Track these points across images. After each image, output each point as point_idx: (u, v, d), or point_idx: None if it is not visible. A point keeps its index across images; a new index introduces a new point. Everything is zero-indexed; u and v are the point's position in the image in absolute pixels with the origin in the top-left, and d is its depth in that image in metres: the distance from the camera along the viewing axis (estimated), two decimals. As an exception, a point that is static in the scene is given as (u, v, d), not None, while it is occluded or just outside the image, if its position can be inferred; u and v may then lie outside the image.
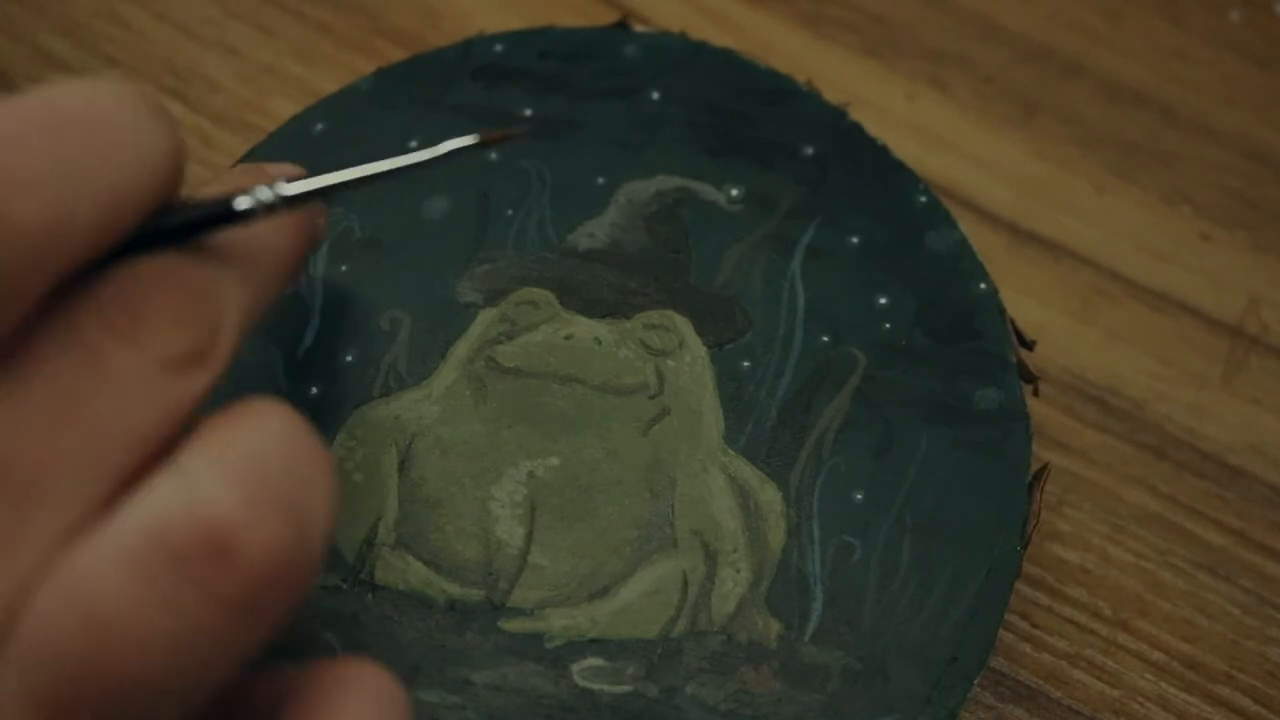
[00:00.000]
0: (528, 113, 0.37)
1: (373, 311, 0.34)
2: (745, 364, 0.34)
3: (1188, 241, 0.43)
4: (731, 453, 0.33)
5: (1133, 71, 0.46)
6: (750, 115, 0.37)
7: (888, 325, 0.34)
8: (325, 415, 0.33)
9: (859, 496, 0.32)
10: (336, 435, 0.32)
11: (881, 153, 0.37)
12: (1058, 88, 0.45)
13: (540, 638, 0.30)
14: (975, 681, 0.30)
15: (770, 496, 0.32)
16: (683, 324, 0.34)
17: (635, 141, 0.36)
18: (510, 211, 0.35)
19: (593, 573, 0.31)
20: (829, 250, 0.35)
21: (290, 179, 0.25)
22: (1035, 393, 0.35)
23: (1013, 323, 0.35)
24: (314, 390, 0.33)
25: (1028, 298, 0.41)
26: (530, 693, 0.30)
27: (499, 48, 0.38)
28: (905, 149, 0.38)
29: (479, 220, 0.35)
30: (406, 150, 0.36)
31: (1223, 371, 0.41)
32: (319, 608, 0.30)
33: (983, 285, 0.35)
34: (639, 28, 0.39)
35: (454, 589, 0.31)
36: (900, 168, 0.36)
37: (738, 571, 0.31)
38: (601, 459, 0.32)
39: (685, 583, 0.31)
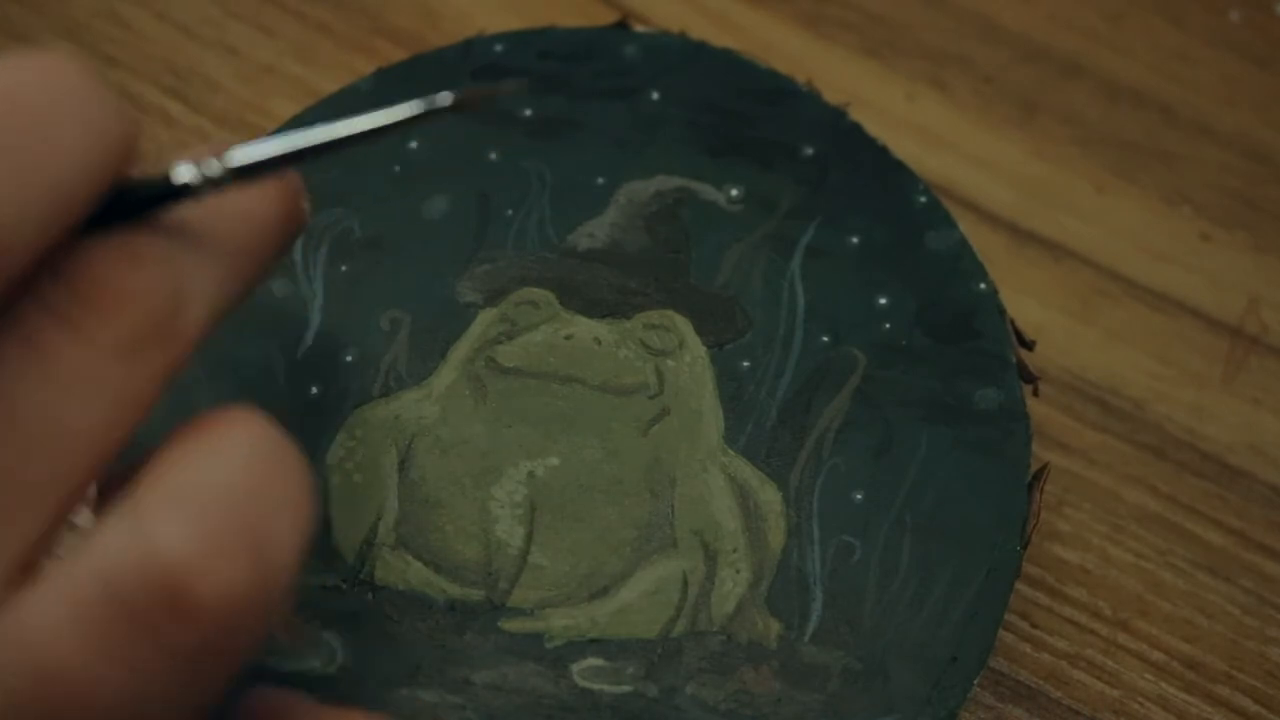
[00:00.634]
0: (528, 113, 0.37)
1: (373, 311, 0.34)
2: (745, 364, 0.34)
3: (1188, 241, 0.43)
4: (731, 453, 0.33)
5: (1133, 71, 0.46)
6: (750, 115, 0.37)
7: (888, 325, 0.34)
8: (325, 415, 0.33)
9: (859, 496, 0.32)
10: (336, 435, 0.32)
11: (881, 153, 0.37)
12: (1058, 88, 0.45)
13: (540, 638, 0.30)
14: (975, 682, 0.30)
15: (770, 496, 0.32)
16: (683, 324, 0.34)
17: (635, 141, 0.36)
18: (510, 211, 0.35)
19: (593, 573, 0.31)
20: (829, 250, 0.35)
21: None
22: (1035, 393, 0.35)
23: (1013, 323, 0.35)
24: (314, 390, 0.33)
25: (1028, 298, 0.41)
26: (530, 693, 0.30)
27: (499, 48, 0.38)
28: (905, 149, 0.38)
29: (479, 220, 0.35)
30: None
31: (1223, 371, 0.41)
32: (319, 608, 0.30)
33: (983, 285, 0.35)
34: (639, 28, 0.39)
35: (454, 589, 0.31)
36: (900, 168, 0.36)
37: (737, 571, 0.31)
38: (601, 459, 0.32)
39: (685, 583, 0.31)
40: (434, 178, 0.36)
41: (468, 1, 0.46)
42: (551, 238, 0.35)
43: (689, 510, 0.32)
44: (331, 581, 0.31)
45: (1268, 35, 0.47)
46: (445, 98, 0.24)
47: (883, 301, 0.34)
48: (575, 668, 0.30)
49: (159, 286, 0.21)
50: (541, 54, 0.38)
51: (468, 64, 0.38)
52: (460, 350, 0.34)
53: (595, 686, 0.30)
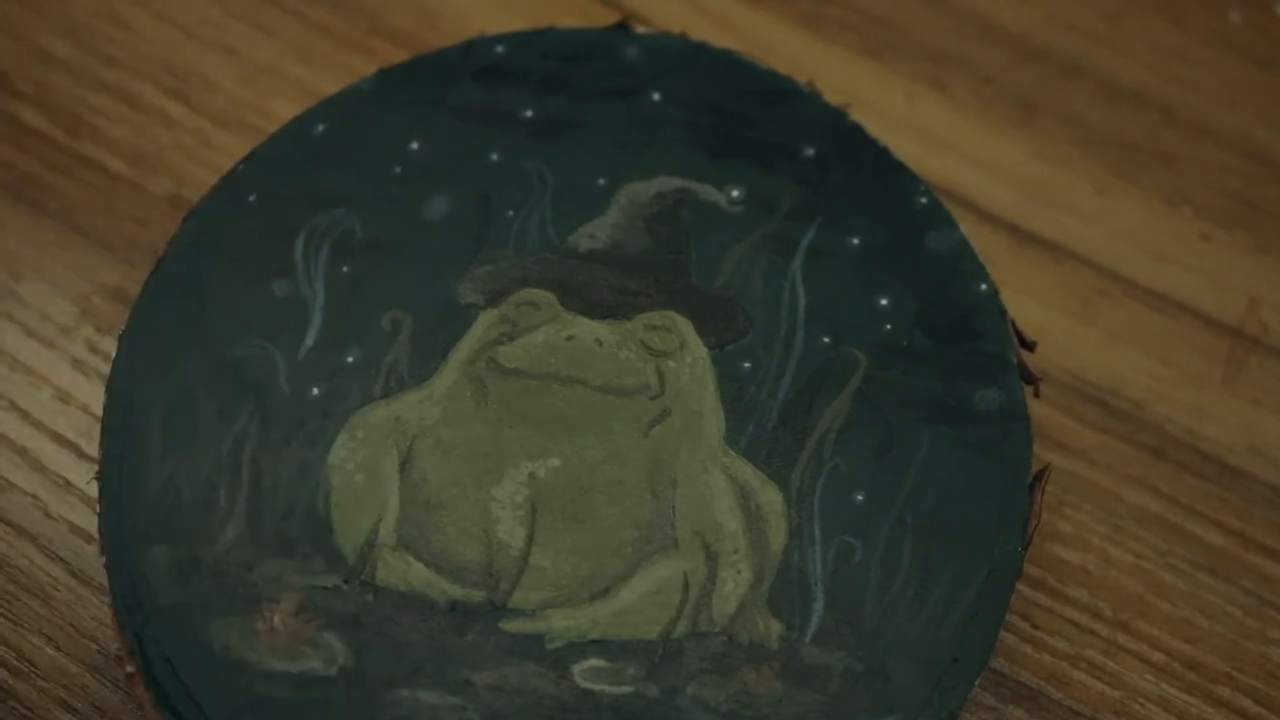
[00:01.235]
0: (528, 114, 0.37)
1: (374, 312, 0.34)
2: (746, 365, 0.34)
3: (1188, 242, 0.43)
4: (732, 454, 0.33)
5: (1133, 72, 0.46)
6: (751, 116, 0.37)
7: (888, 326, 0.34)
8: (326, 416, 0.33)
9: (860, 497, 0.32)
10: (338, 436, 0.32)
11: (882, 154, 0.37)
12: (1058, 88, 0.46)
13: (541, 639, 0.30)
14: (976, 682, 0.30)
15: (771, 497, 0.32)
16: (683, 325, 0.34)
17: (636, 142, 0.36)
18: (511, 212, 0.35)
19: (594, 574, 0.31)
20: (829, 251, 0.35)
21: None
22: (1036, 394, 0.35)
23: (1013, 323, 0.35)
24: (315, 391, 0.33)
25: (1028, 298, 0.41)
26: (531, 693, 0.30)
27: (500, 49, 0.38)
28: (905, 150, 0.38)
29: (480, 221, 0.35)
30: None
31: (1223, 372, 0.41)
32: (320, 608, 0.30)
33: (983, 286, 0.35)
34: (639, 29, 0.39)
35: (455, 590, 0.31)
36: (900, 168, 0.36)
37: (739, 572, 0.31)
38: (602, 460, 0.32)
39: (686, 584, 0.31)
40: (435, 178, 0.36)
41: (467, 2, 0.46)
42: (552, 238, 0.35)
43: (690, 511, 0.32)
44: (332, 582, 0.31)
45: (1268, 35, 0.47)
46: None
47: (883, 302, 0.34)
48: (576, 668, 0.30)
49: None
50: (542, 55, 0.38)
51: (468, 65, 0.38)
52: (461, 351, 0.34)
53: (596, 687, 0.30)
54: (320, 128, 0.36)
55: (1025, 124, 0.45)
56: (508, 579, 0.31)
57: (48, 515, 0.37)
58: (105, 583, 0.31)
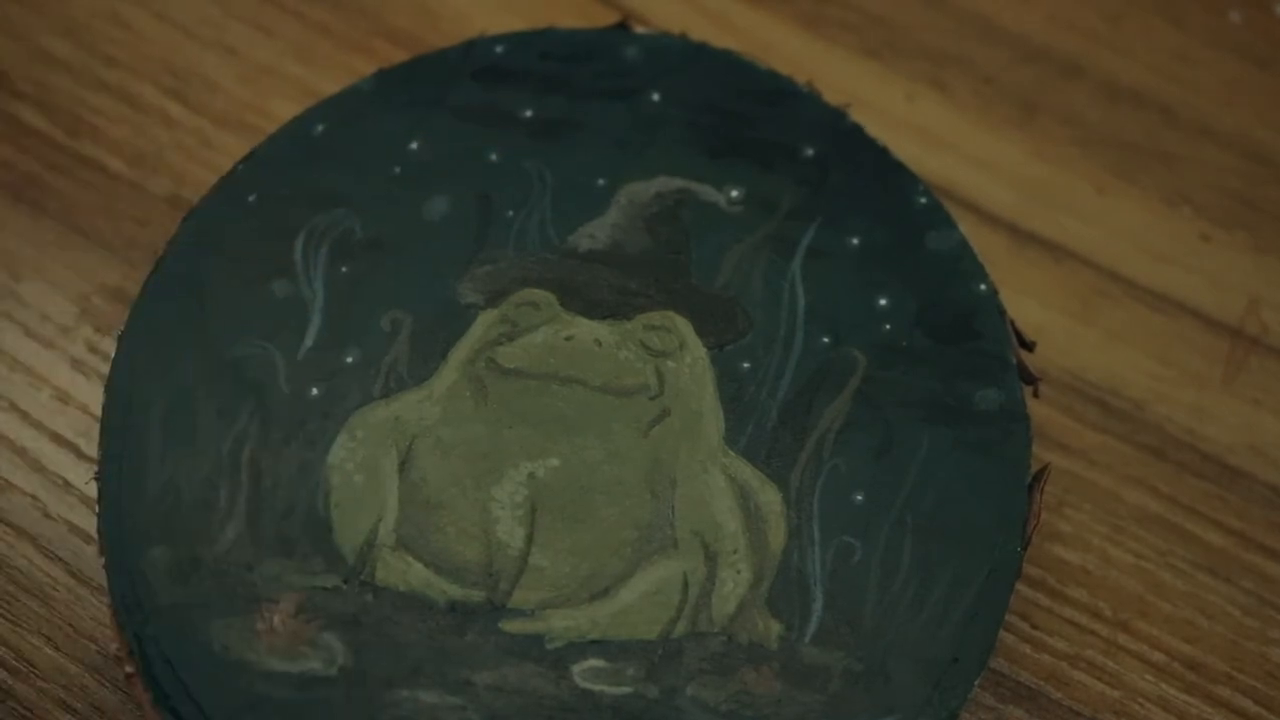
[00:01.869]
0: (528, 114, 0.37)
1: (373, 312, 0.34)
2: (746, 365, 0.34)
3: (1188, 242, 0.43)
4: (732, 454, 0.33)
5: (1133, 72, 0.46)
6: (750, 116, 0.37)
7: (888, 326, 0.34)
8: (326, 416, 0.33)
9: (859, 497, 0.32)
10: (337, 436, 0.32)
11: (881, 154, 0.37)
12: (1058, 88, 0.45)
13: (541, 639, 0.30)
14: (976, 682, 0.30)
15: (771, 497, 0.32)
16: (683, 325, 0.34)
17: (636, 142, 0.36)
18: (511, 212, 0.35)
19: (593, 574, 0.31)
20: (829, 251, 0.35)
21: None
22: (1035, 394, 0.35)
23: (1013, 323, 0.35)
24: (314, 391, 0.33)
25: (1028, 298, 0.41)
26: (531, 694, 0.30)
27: (500, 49, 0.38)
28: (905, 150, 0.38)
29: (480, 221, 0.35)
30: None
31: (1223, 372, 0.41)
32: (319, 608, 0.30)
33: (983, 286, 0.35)
34: (639, 29, 0.39)
35: (454, 590, 0.31)
36: (900, 169, 0.36)
37: (738, 572, 0.31)
38: (602, 460, 0.32)
39: (686, 584, 0.31)
40: (435, 178, 0.36)
41: (467, 2, 0.46)
42: (552, 239, 0.35)
43: (690, 511, 0.32)
44: (332, 582, 0.31)
45: (1268, 35, 0.47)
46: None
47: (883, 302, 0.34)
48: (576, 669, 0.30)
49: None
50: (542, 55, 0.38)
51: (468, 65, 0.37)
52: (461, 351, 0.34)
53: (596, 687, 0.30)
54: (320, 128, 0.36)
55: (1025, 124, 0.45)
56: (507, 579, 0.31)
57: (47, 515, 0.37)
58: (104, 583, 0.31)
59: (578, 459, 0.32)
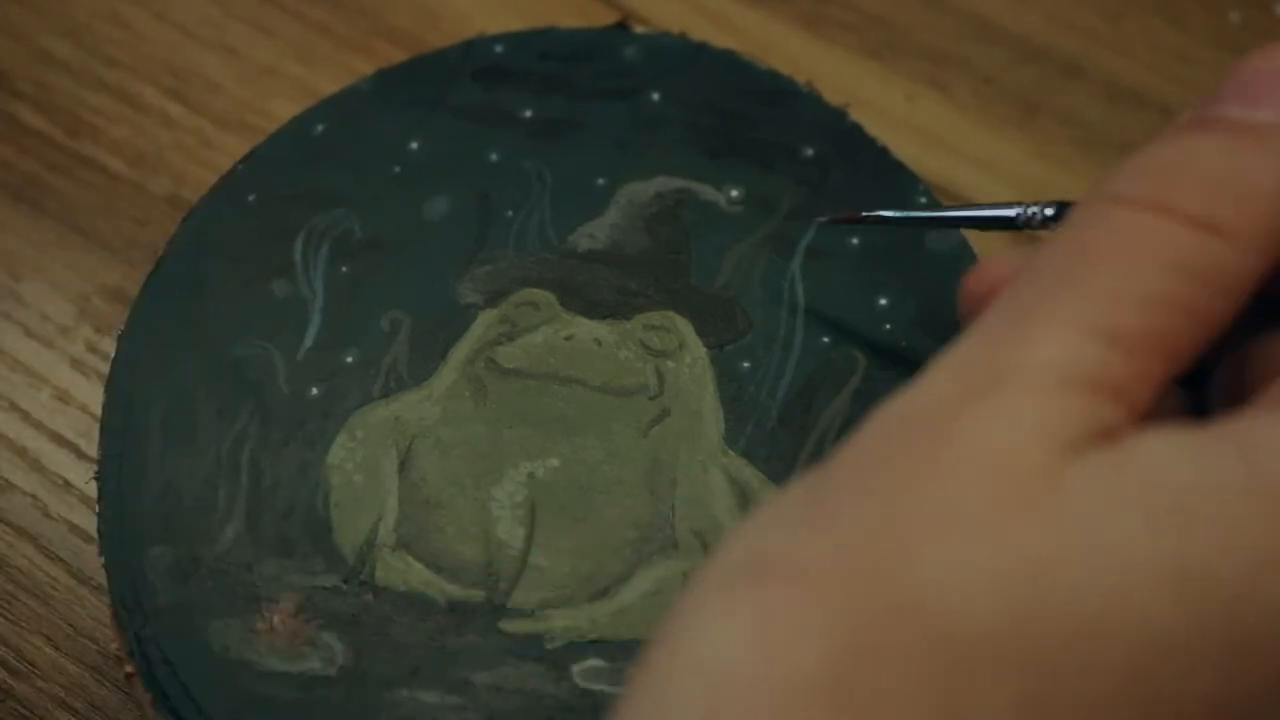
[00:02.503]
0: (528, 114, 0.37)
1: (373, 312, 0.34)
2: (745, 365, 0.34)
3: (1188, 242, 0.43)
4: (732, 454, 0.33)
5: (1133, 72, 0.46)
6: (750, 116, 0.37)
7: (888, 326, 0.34)
8: (325, 416, 0.33)
9: (859, 497, 0.32)
10: (337, 436, 0.32)
11: (881, 153, 0.37)
12: (1058, 88, 0.45)
13: (541, 638, 0.30)
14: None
15: (771, 497, 0.32)
16: (683, 325, 0.34)
17: (636, 142, 0.36)
18: (511, 212, 0.35)
19: (593, 574, 0.31)
20: (829, 251, 0.35)
21: None
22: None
23: (1013, 323, 0.35)
24: (314, 391, 0.33)
25: (1028, 298, 0.41)
26: (530, 693, 0.30)
27: (499, 49, 0.38)
28: (905, 150, 0.38)
29: (480, 221, 0.35)
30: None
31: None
32: (319, 608, 0.30)
33: (983, 286, 0.35)
34: (639, 29, 0.39)
35: (454, 590, 0.31)
36: (900, 168, 0.36)
37: (738, 572, 0.31)
38: (602, 460, 0.32)
39: (686, 584, 0.31)
40: (434, 178, 0.36)
41: (467, 2, 0.46)
42: (552, 239, 0.35)
43: (690, 511, 0.32)
44: (332, 582, 0.31)
45: (1268, 36, 0.47)
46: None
47: (883, 302, 0.34)
48: (576, 668, 0.30)
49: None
50: (542, 55, 0.38)
51: (468, 65, 0.37)
52: (461, 351, 0.34)
53: (596, 687, 0.30)
54: (320, 128, 0.36)
55: (1025, 124, 0.45)
56: (507, 579, 0.31)
57: (47, 515, 0.37)
58: (104, 583, 0.31)
59: (578, 459, 0.32)
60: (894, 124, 0.44)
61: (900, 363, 0.34)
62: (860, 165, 0.36)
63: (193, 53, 0.44)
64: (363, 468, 0.32)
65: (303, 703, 0.29)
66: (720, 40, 0.39)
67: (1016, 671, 0.19)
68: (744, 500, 0.32)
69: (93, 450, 0.33)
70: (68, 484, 0.38)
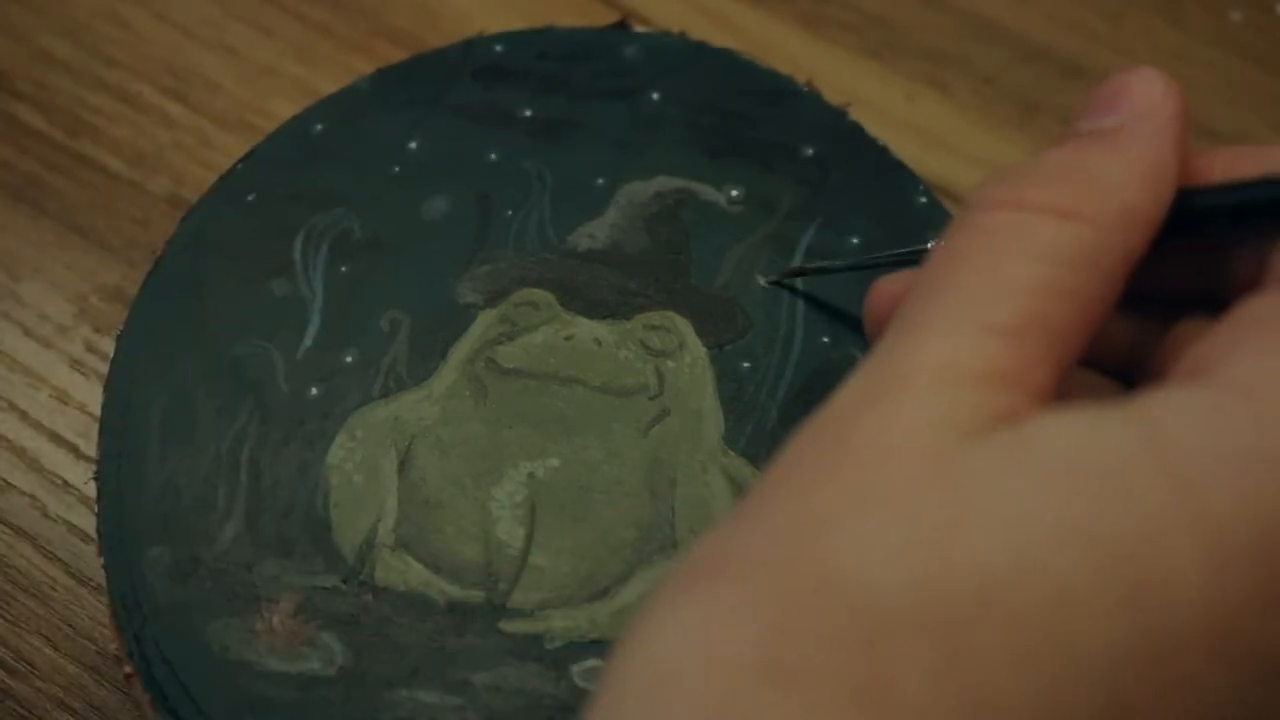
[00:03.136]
0: (528, 113, 0.37)
1: (373, 312, 0.34)
2: (745, 365, 0.34)
3: (1188, 242, 0.43)
4: (732, 454, 0.33)
5: (1133, 72, 0.46)
6: (750, 116, 0.37)
7: (888, 326, 0.34)
8: (325, 416, 0.32)
9: (859, 497, 0.32)
10: (337, 436, 0.32)
11: (881, 153, 0.37)
12: (1058, 88, 0.45)
13: (540, 639, 0.30)
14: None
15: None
16: (683, 325, 0.34)
17: (635, 142, 0.36)
18: (510, 212, 0.35)
19: (593, 574, 0.31)
20: (829, 251, 0.35)
21: None
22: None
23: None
24: (314, 391, 0.33)
25: (1028, 298, 0.41)
26: (530, 694, 0.30)
27: (499, 48, 0.38)
28: (905, 149, 0.38)
29: (479, 221, 0.35)
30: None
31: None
32: (319, 608, 0.30)
33: (983, 286, 0.35)
34: (639, 28, 0.39)
35: (454, 590, 0.31)
36: (900, 168, 0.36)
37: (738, 572, 0.31)
38: (602, 460, 0.32)
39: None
40: (434, 178, 0.36)
41: (467, 1, 0.46)
42: (552, 238, 0.35)
43: (690, 511, 0.32)
44: (331, 582, 0.31)
45: (1268, 35, 0.47)
46: None
47: (883, 302, 0.34)
48: (575, 669, 0.30)
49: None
50: (541, 54, 0.38)
51: (468, 64, 0.37)
52: (460, 351, 0.33)
53: (595, 687, 0.30)
54: (319, 127, 0.36)
55: (1025, 124, 0.45)
56: (507, 579, 0.31)
57: (46, 515, 0.37)
58: (103, 583, 0.31)
59: (577, 459, 0.32)
60: (894, 124, 0.44)
61: (900, 363, 0.34)
62: (860, 165, 0.36)
63: (193, 53, 0.44)
64: (362, 468, 0.32)
65: (302, 703, 0.29)
66: (720, 40, 0.39)
67: (934, 632, 0.20)
68: (744, 500, 0.32)
69: (91, 450, 0.33)
70: (66, 484, 0.37)
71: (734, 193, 0.36)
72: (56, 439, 0.38)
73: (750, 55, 0.38)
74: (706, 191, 0.36)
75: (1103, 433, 0.22)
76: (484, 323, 0.34)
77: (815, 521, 0.22)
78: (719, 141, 0.37)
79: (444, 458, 0.32)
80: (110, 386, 0.33)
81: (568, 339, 0.34)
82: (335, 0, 0.45)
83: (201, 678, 0.29)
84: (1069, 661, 0.20)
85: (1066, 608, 0.20)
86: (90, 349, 0.39)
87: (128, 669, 0.30)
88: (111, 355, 0.33)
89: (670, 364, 0.33)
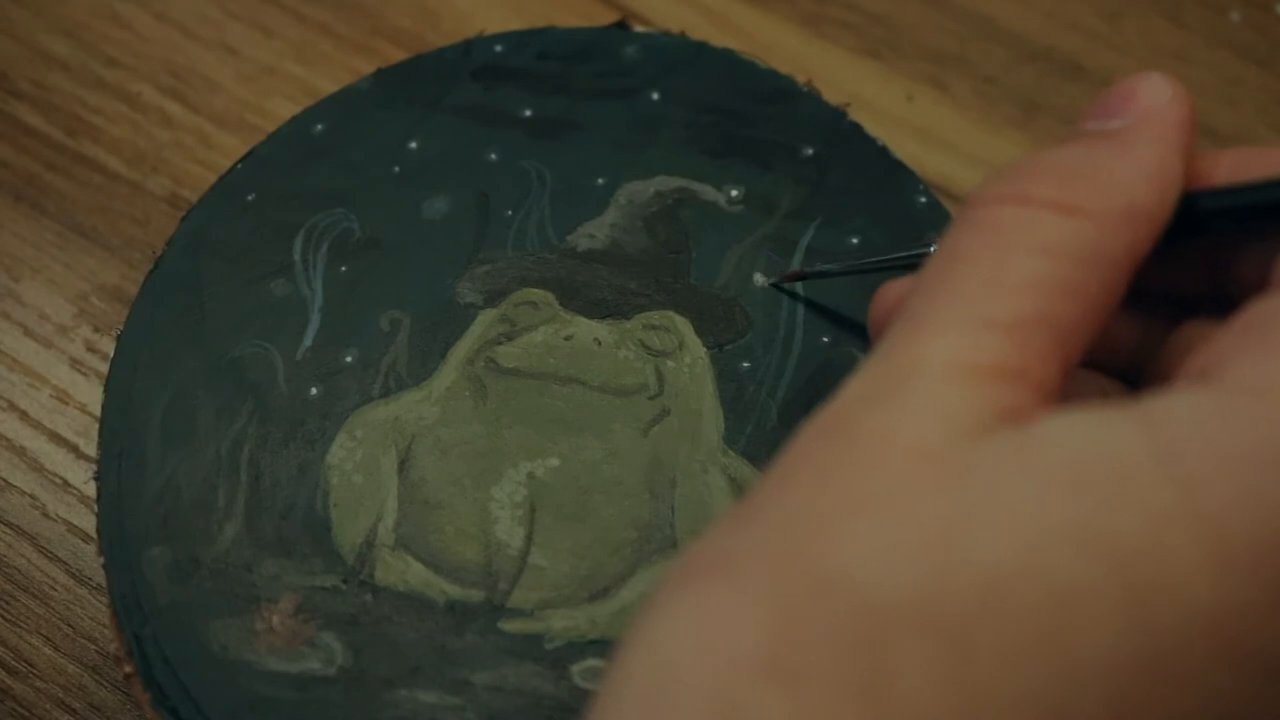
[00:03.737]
0: (527, 113, 0.37)
1: (372, 312, 0.34)
2: (745, 365, 0.34)
3: (1188, 242, 0.43)
4: (732, 453, 0.33)
5: (1133, 71, 0.46)
6: (750, 116, 0.37)
7: (888, 326, 0.34)
8: (325, 416, 0.33)
9: (859, 497, 0.32)
10: (336, 436, 0.32)
11: (881, 153, 0.37)
12: (1058, 88, 0.45)
13: (540, 639, 0.30)
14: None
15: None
16: (683, 325, 0.34)
17: (635, 142, 0.36)
18: (510, 212, 0.35)
19: (592, 574, 0.31)
20: (829, 251, 0.35)
21: None
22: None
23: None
24: (314, 391, 0.33)
25: (1028, 298, 0.41)
26: (530, 694, 0.30)
27: (499, 48, 0.38)
28: (905, 149, 0.38)
29: (479, 221, 0.35)
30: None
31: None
32: (319, 608, 0.30)
33: (983, 286, 0.35)
34: (639, 28, 0.39)
35: (454, 590, 0.31)
36: (900, 168, 0.36)
37: (738, 572, 0.31)
38: (601, 460, 0.32)
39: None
40: (434, 178, 0.36)
41: (467, 1, 0.46)
42: (551, 238, 0.35)
43: (689, 511, 0.32)
44: (331, 582, 0.31)
45: (1268, 35, 0.47)
46: None
47: (883, 302, 0.34)
48: (575, 669, 0.30)
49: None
50: (541, 54, 0.38)
51: (468, 64, 0.37)
52: (460, 351, 0.34)
53: (595, 687, 0.30)
54: (319, 127, 0.36)
55: (1025, 124, 0.45)
56: (506, 579, 0.31)
57: (46, 515, 0.37)
58: (103, 583, 0.31)
59: (577, 459, 0.32)
60: (894, 124, 0.44)
61: (900, 362, 0.34)
62: (860, 165, 0.36)
63: (192, 52, 0.44)
64: (362, 468, 0.32)
65: (302, 703, 0.29)
66: (720, 40, 0.39)
67: (935, 632, 0.20)
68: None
69: (92, 450, 0.33)
70: (67, 484, 0.37)
71: (734, 192, 0.36)
72: (56, 439, 0.38)
73: (750, 55, 0.38)
74: (706, 191, 0.36)
75: (1108, 434, 0.22)
76: (484, 322, 0.34)
77: (819, 520, 0.21)
78: (719, 141, 0.37)
79: (444, 458, 0.32)
80: (110, 386, 0.33)
81: (567, 339, 0.34)
82: (335, 0, 0.45)
83: (201, 677, 0.29)
84: (1072, 662, 0.20)
85: (1070, 608, 0.20)
86: (90, 349, 0.39)
87: (128, 668, 0.30)
88: (111, 355, 0.33)
89: (670, 364, 0.33)
